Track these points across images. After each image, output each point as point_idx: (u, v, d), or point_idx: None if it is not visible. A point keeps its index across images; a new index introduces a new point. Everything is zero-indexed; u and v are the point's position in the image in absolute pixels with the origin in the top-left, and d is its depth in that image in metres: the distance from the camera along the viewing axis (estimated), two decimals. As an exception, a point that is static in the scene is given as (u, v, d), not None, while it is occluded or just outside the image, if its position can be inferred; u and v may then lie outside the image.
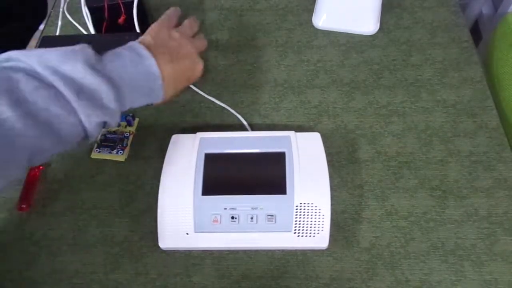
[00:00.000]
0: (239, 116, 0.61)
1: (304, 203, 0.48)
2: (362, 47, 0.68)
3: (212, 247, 0.50)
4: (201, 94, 0.64)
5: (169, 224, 0.49)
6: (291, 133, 0.54)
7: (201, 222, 0.49)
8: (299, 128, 0.59)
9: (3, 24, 1.01)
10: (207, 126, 0.61)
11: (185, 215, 0.49)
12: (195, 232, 0.49)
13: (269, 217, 0.48)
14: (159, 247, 0.51)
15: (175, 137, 0.55)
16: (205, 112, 0.62)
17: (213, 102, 0.63)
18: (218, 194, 0.49)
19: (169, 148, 0.54)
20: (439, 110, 0.61)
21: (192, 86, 0.64)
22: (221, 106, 0.62)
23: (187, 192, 0.49)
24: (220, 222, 0.48)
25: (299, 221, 0.48)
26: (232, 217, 0.48)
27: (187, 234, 0.49)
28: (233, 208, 0.49)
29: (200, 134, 0.55)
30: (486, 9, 1.24)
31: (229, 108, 0.62)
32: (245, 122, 0.60)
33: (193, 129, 0.59)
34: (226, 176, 0.51)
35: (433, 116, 0.61)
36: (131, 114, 0.61)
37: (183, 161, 0.52)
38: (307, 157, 0.51)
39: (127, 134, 0.59)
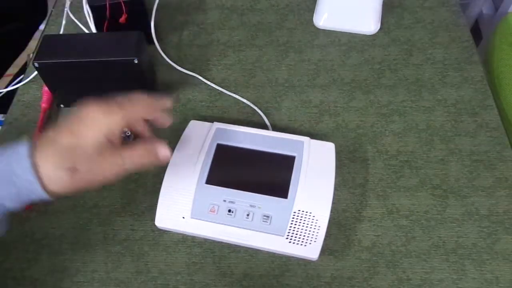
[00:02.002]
0: (261, 113, 0.61)
1: (303, 211, 0.48)
2: (363, 46, 0.68)
3: (204, 235, 0.50)
4: (199, 94, 0.64)
5: (168, 205, 0.50)
6: (305, 139, 0.54)
7: (198, 209, 0.49)
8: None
9: (3, 24, 1.01)
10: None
11: (185, 199, 0.49)
12: (191, 217, 0.49)
13: (265, 217, 0.48)
14: (160, 245, 0.51)
15: (192, 123, 0.57)
16: (205, 111, 0.62)
17: (213, 101, 0.63)
18: (220, 185, 0.50)
19: (185, 132, 0.55)
20: (440, 109, 0.61)
21: (202, 79, 0.65)
22: (232, 101, 0.63)
23: (192, 178, 0.50)
24: (217, 213, 0.49)
25: (294, 227, 0.48)
26: (229, 210, 0.49)
27: (183, 218, 0.49)
28: (231, 202, 0.49)
29: (217, 124, 0.55)
30: (486, 9, 1.24)
31: (250, 104, 0.62)
32: (267, 121, 0.61)
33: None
34: (232, 169, 0.52)
35: (434, 115, 0.61)
36: (132, 113, 0.61)
37: (196, 147, 0.53)
38: (316, 166, 0.51)
39: (128, 133, 0.59)
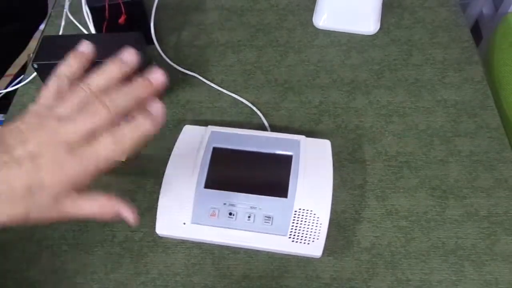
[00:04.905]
0: (260, 114, 0.61)
1: (303, 209, 0.48)
2: (362, 47, 0.68)
3: (206, 240, 0.50)
4: (198, 95, 0.64)
5: (168, 211, 0.50)
6: (301, 138, 0.54)
7: (199, 214, 0.49)
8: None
9: (3, 24, 1.01)
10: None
11: (185, 205, 0.49)
12: (192, 223, 0.49)
13: (266, 218, 0.48)
14: (159, 246, 0.51)
15: (187, 128, 0.56)
16: (204, 112, 0.62)
17: (212, 101, 0.63)
18: (219, 189, 0.50)
19: (179, 137, 0.55)
20: (440, 110, 0.61)
21: (201, 79, 0.65)
22: (234, 102, 0.63)
23: (190, 183, 0.50)
24: (218, 217, 0.49)
25: (296, 226, 0.48)
26: (230, 213, 0.49)
27: (184, 224, 0.49)
28: (232, 205, 0.49)
29: (211, 128, 0.55)
30: (486, 9, 1.24)
31: (250, 104, 0.62)
32: (265, 122, 0.61)
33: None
34: (230, 172, 0.52)
35: (433, 116, 0.61)
36: (131, 114, 0.61)
37: (191, 152, 0.53)
38: (313, 163, 0.51)
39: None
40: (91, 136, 0.33)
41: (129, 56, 0.36)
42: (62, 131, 0.33)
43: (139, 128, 0.34)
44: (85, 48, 0.37)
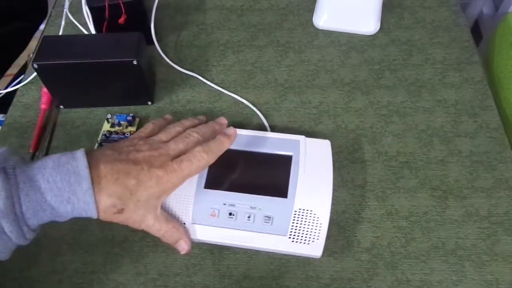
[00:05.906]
0: (260, 114, 0.61)
1: (303, 209, 0.48)
2: (362, 47, 0.68)
3: (206, 240, 0.50)
4: (198, 95, 0.64)
5: (169, 212, 0.49)
6: (301, 138, 0.54)
7: (199, 214, 0.49)
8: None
9: (4, 24, 1.01)
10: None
11: (185, 205, 0.49)
12: (192, 223, 0.49)
13: (266, 218, 0.48)
14: (159, 247, 0.51)
15: None
16: (204, 112, 0.62)
17: (212, 101, 0.63)
18: (219, 189, 0.50)
19: None
20: (440, 110, 0.61)
21: (201, 79, 0.65)
22: (236, 103, 0.63)
23: (190, 183, 0.50)
24: (218, 217, 0.49)
25: (296, 226, 0.48)
26: (230, 213, 0.49)
27: (184, 224, 0.49)
28: (232, 205, 0.49)
29: None
30: (486, 9, 1.24)
31: (250, 105, 0.62)
32: (265, 122, 0.61)
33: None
34: (230, 172, 0.52)
35: (433, 116, 0.61)
36: (131, 114, 0.61)
37: None
38: (313, 164, 0.51)
39: (128, 134, 0.59)
40: (186, 151, 0.46)
41: (197, 121, 0.53)
42: (165, 148, 0.45)
43: (220, 142, 0.48)
44: (168, 117, 0.54)
